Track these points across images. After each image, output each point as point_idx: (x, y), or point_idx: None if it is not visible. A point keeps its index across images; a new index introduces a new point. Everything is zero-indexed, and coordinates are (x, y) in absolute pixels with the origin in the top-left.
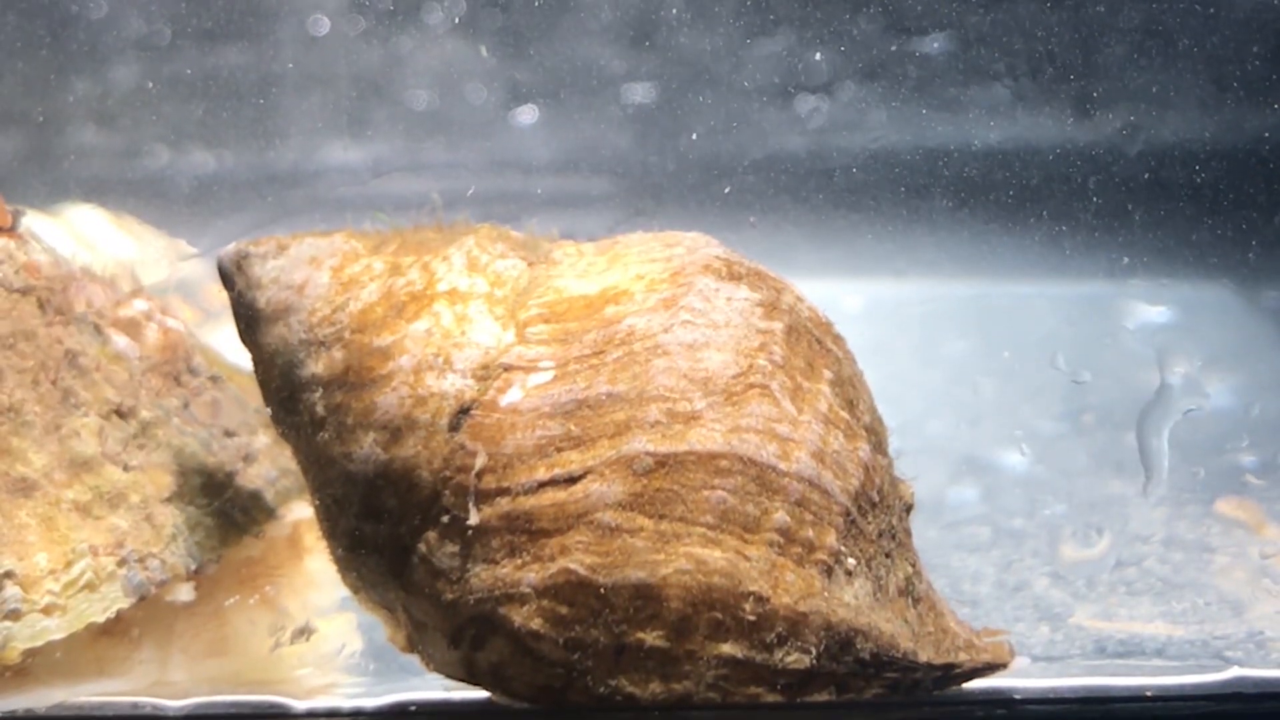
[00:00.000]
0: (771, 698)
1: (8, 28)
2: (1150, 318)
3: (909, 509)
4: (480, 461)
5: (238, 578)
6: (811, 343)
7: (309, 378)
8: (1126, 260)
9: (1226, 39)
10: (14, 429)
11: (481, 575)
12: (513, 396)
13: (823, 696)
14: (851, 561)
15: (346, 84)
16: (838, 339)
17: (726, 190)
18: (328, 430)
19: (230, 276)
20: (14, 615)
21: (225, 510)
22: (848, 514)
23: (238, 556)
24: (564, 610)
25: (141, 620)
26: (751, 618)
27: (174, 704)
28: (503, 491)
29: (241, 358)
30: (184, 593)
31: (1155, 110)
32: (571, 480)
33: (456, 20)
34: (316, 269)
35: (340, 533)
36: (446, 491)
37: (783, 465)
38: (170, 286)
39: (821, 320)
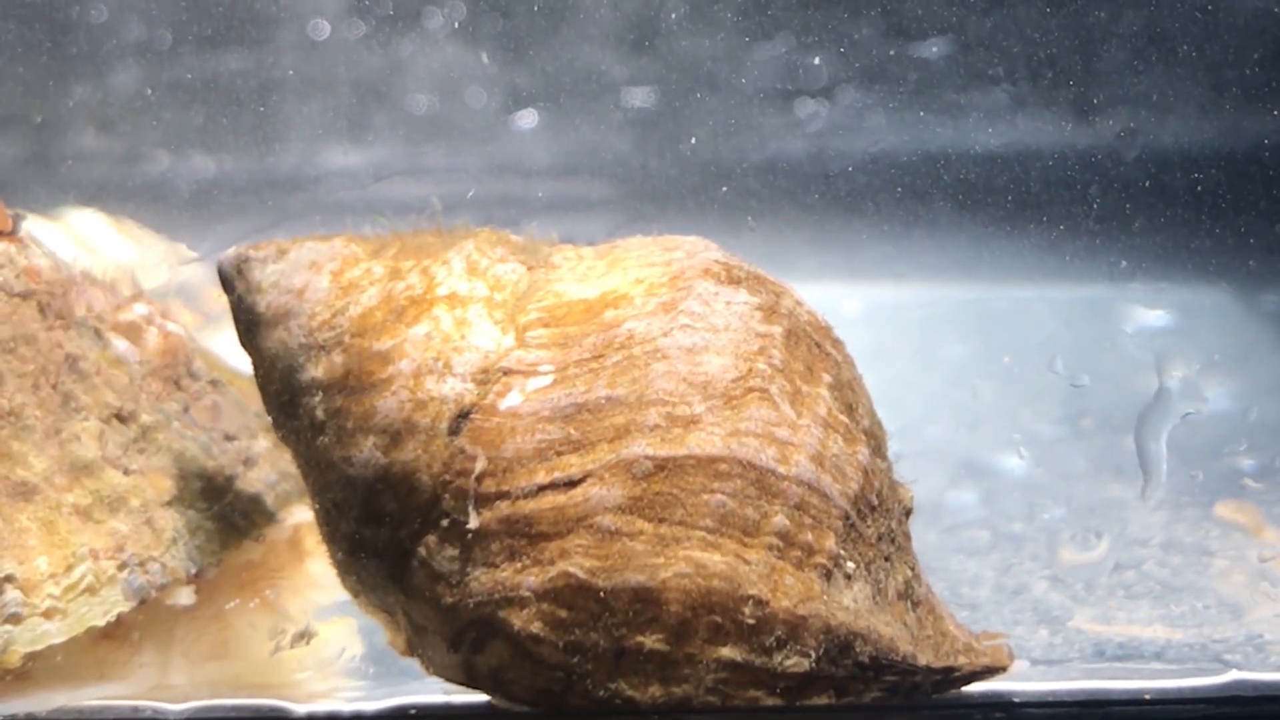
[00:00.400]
0: (771, 701)
1: (8, 32)
2: (1149, 321)
3: (908, 512)
4: (480, 465)
5: (238, 581)
6: (811, 347)
7: (309, 382)
8: (1125, 264)
9: (1226, 44)
10: (14, 433)
11: (481, 579)
12: (512, 400)
13: (822, 700)
14: (851, 565)
15: (346, 88)
16: (837, 343)
17: (724, 190)
18: (327, 434)
19: (230, 281)
20: (15, 619)
21: (225, 514)
22: (847, 517)
23: (238, 560)
24: (564, 614)
25: (142, 624)
26: (751, 621)
27: (174, 708)
28: (502, 495)
29: (241, 362)
30: (184, 596)
31: (1155, 115)
32: (571, 484)
33: (456, 25)
34: (316, 273)
35: (340, 536)
36: (446, 495)
37: (782, 469)
38: (170, 291)
39: (821, 324)
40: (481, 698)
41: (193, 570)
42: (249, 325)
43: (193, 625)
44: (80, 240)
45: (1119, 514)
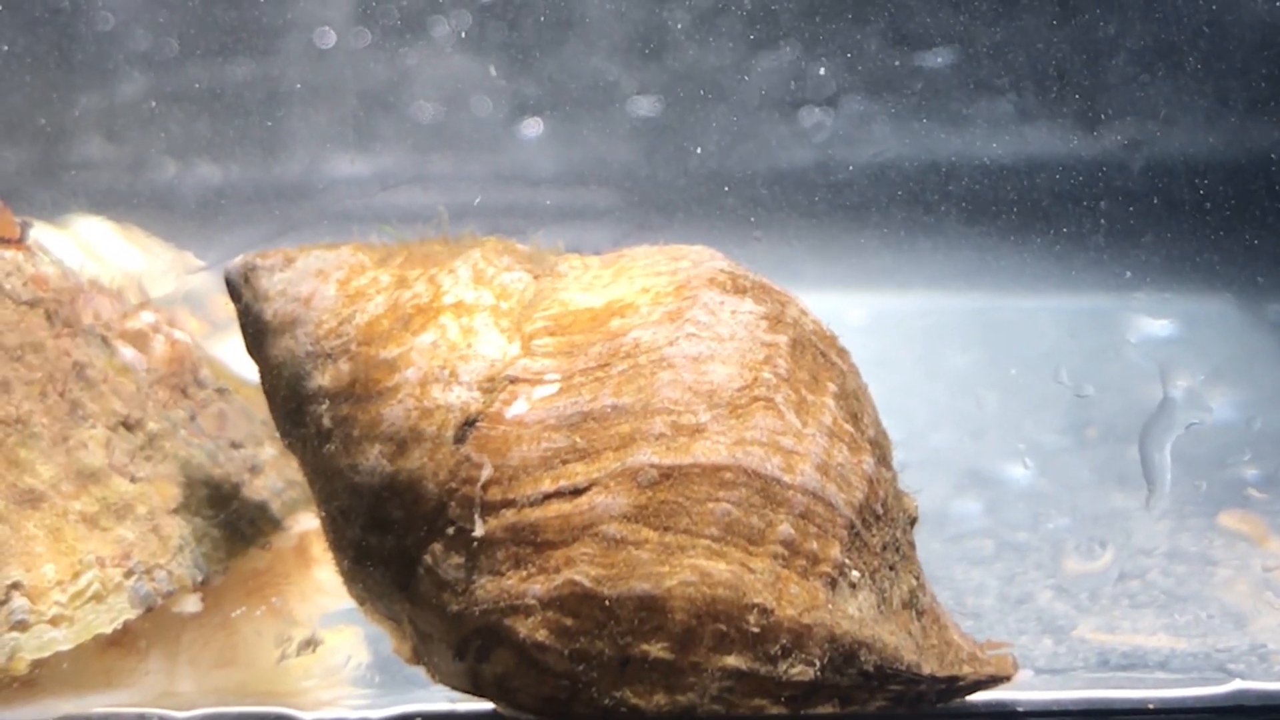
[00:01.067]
0: (776, 710)
1: (16, 42)
2: (1153, 331)
3: (913, 522)
4: (486, 473)
5: (244, 589)
6: (816, 356)
7: (315, 390)
8: (1130, 274)
9: (1232, 56)
10: (22, 440)
11: (487, 587)
12: (518, 409)
13: (827, 709)
14: (855, 574)
15: (353, 97)
16: (842, 352)
17: (729, 199)
18: (334, 442)
19: (237, 289)
20: (21, 626)
21: (232, 522)
22: (852, 526)
23: (244, 568)
24: (569, 622)
25: (148, 631)
26: (756, 630)
27: (181, 715)
28: (508, 503)
29: (248, 370)
30: (191, 604)
31: (1160, 126)
32: (576, 492)
33: (463, 34)
34: (323, 282)
35: (346, 544)
36: (452, 503)
37: (787, 478)
38: (177, 299)
39: (826, 333)
40: (487, 706)
41: (199, 578)
42: (256, 333)
43: (199, 633)
44: (87, 248)
45: (1123, 524)
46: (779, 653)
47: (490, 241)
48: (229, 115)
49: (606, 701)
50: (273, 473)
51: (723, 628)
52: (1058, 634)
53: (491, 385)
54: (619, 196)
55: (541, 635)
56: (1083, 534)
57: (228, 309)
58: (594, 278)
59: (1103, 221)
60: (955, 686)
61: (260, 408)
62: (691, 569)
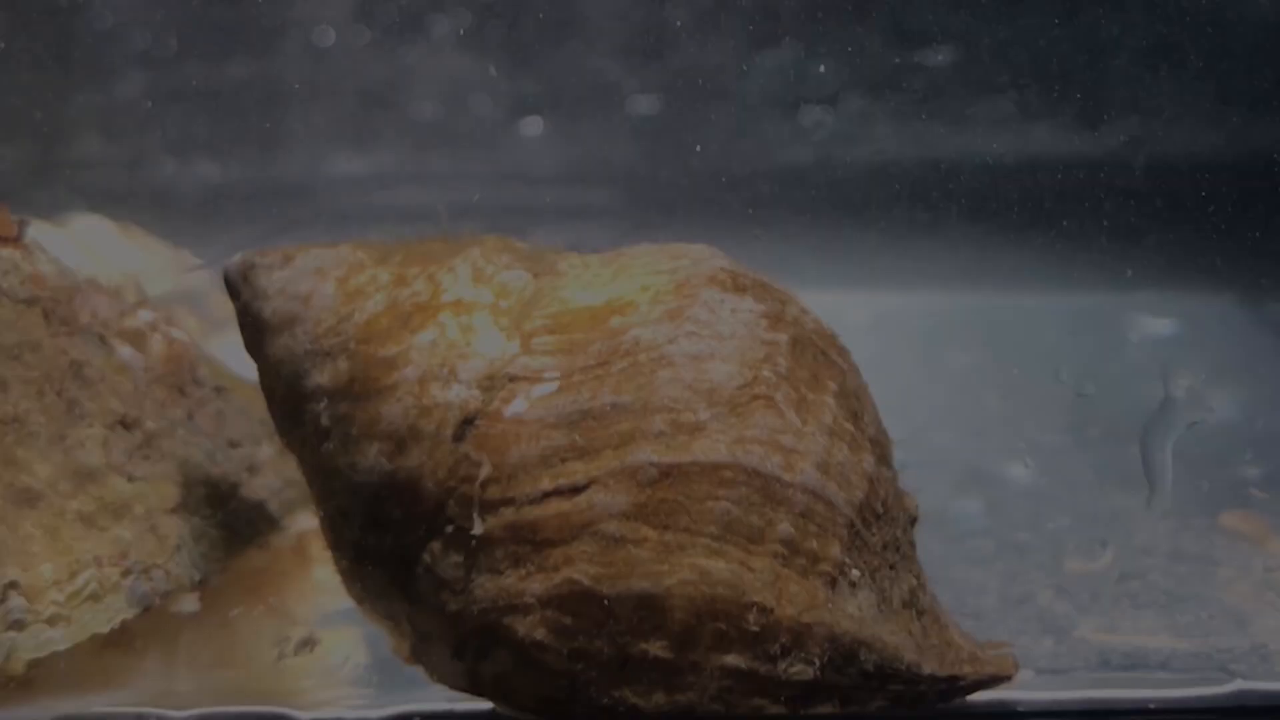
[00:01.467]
0: (775, 709)
1: (14, 40)
2: (1155, 330)
3: (913, 521)
4: (485, 472)
5: (242, 588)
6: (816, 354)
7: (314, 388)
8: (1132, 273)
9: (1235, 54)
10: (19, 439)
11: (485, 586)
12: (517, 407)
13: (827, 709)
14: (856, 573)
15: (352, 96)
16: (842, 351)
17: (730, 198)
18: (332, 441)
19: (236, 287)
20: (18, 626)
21: (230, 521)
22: (852, 526)
23: (242, 567)
24: (568, 621)
25: (146, 631)
26: (755, 629)
27: (178, 714)
28: (507, 502)
29: (246, 369)
30: (188, 603)
31: (1162, 124)
32: (576, 490)
33: (461, 32)
34: (322, 280)
35: (345, 544)
36: (451, 502)
37: (787, 476)
38: (176, 297)
39: (826, 332)
40: (485, 705)
41: (197, 577)
42: (254, 332)
43: (197, 632)
44: (85, 247)
45: (1124, 523)
46: (778, 652)
47: (490, 240)
48: (227, 113)
49: (605, 701)
50: (271, 472)
51: (722, 627)
52: (1058, 634)
53: (491, 383)
54: (619, 195)
55: (540, 634)
56: (1084, 534)
57: (226, 307)
58: (594, 276)
59: (1104, 220)
60: (955, 686)
61: (259, 406)
62: (691, 568)
